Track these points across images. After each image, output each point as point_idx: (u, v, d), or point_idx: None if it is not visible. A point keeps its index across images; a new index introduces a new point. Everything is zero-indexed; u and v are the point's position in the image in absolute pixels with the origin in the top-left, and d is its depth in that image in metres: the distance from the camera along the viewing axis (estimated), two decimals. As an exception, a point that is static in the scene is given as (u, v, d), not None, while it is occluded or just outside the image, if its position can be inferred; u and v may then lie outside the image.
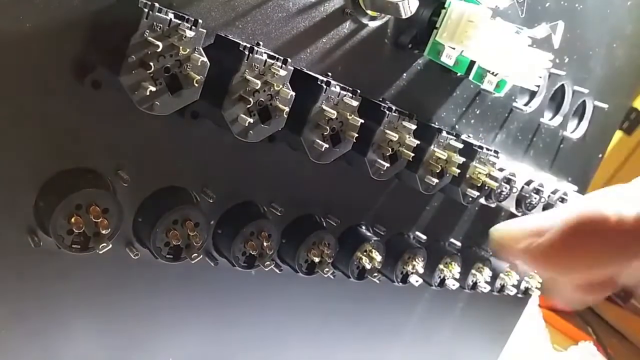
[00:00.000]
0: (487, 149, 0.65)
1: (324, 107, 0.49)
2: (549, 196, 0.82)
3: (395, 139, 0.55)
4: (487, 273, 0.82)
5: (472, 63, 0.58)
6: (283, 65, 0.46)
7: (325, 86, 0.49)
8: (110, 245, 0.46)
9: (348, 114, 0.51)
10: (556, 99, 0.87)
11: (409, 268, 0.70)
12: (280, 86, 0.46)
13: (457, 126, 0.72)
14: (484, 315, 1.02)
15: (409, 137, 0.56)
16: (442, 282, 0.76)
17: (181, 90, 0.41)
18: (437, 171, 0.60)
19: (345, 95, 0.50)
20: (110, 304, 0.54)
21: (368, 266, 0.65)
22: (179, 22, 0.40)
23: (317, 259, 0.60)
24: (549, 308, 1.69)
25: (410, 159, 0.57)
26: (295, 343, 0.73)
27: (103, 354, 0.56)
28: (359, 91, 0.51)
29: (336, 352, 0.79)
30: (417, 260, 0.71)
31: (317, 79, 0.50)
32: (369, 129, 0.54)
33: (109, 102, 0.45)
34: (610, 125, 1.01)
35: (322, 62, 0.55)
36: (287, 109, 0.46)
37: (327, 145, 0.50)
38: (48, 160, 0.45)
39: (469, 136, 0.72)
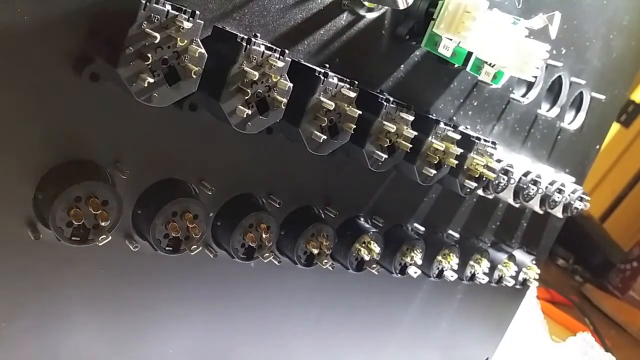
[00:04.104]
0: (485, 141, 0.65)
1: (322, 98, 0.49)
2: (546, 187, 0.83)
3: (393, 131, 0.55)
4: (485, 264, 0.83)
5: (470, 54, 0.58)
6: (281, 57, 0.46)
7: (322, 77, 0.49)
8: (110, 238, 0.46)
9: (346, 105, 0.51)
10: (553, 91, 0.87)
11: (408, 259, 0.71)
12: (278, 77, 0.46)
13: (454, 117, 0.72)
14: (482, 307, 1.02)
15: (407, 129, 0.56)
16: (441, 273, 0.77)
17: (179, 82, 0.42)
18: (435, 162, 0.60)
19: (343, 87, 0.50)
20: (110, 296, 0.55)
21: (367, 258, 0.65)
22: (177, 13, 0.40)
23: (315, 251, 0.61)
24: (547, 300, 1.70)
25: (408, 151, 0.57)
26: (295, 334, 0.74)
27: (103, 346, 0.57)
28: (356, 82, 0.51)
29: (335, 342, 0.80)
30: (415, 251, 0.71)
31: (315, 70, 0.50)
32: (367, 121, 0.54)
33: (107, 94, 0.45)
34: (607, 116, 1.01)
35: (319, 54, 0.55)
36: (285, 101, 0.47)
37: (325, 137, 0.50)
38: (47, 153, 0.45)
39: (466, 127, 0.73)
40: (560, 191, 0.84)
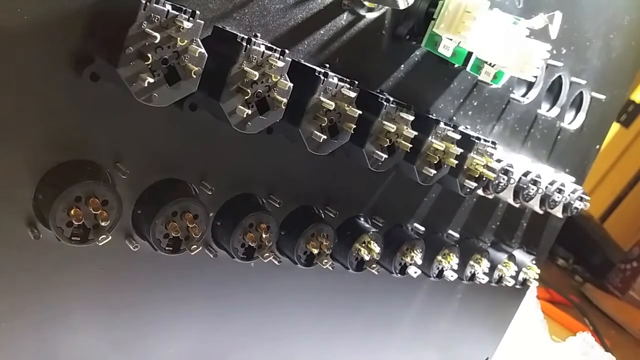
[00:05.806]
0: (485, 140, 0.65)
1: (322, 98, 0.49)
2: (546, 187, 0.83)
3: (392, 130, 0.55)
4: (485, 264, 0.83)
5: (470, 54, 0.58)
6: (281, 57, 0.46)
7: (322, 77, 0.49)
8: (110, 237, 0.46)
9: (346, 105, 0.51)
10: (553, 90, 0.87)
11: (408, 259, 0.71)
12: (278, 77, 0.46)
13: (454, 117, 0.72)
14: (482, 307, 1.02)
15: (407, 129, 0.56)
16: (441, 273, 0.77)
17: (179, 82, 0.41)
18: (435, 162, 0.60)
19: (343, 87, 0.50)
20: (110, 296, 0.55)
21: (367, 257, 0.65)
22: (177, 13, 0.40)
23: (315, 251, 0.61)
24: (547, 300, 1.70)
25: (408, 150, 0.57)
26: (295, 334, 0.74)
27: (103, 346, 0.57)
28: (356, 82, 0.51)
29: (335, 342, 0.80)
30: (415, 251, 0.71)
31: (315, 70, 0.50)
32: (367, 121, 0.54)
33: (107, 94, 0.45)
34: (607, 116, 1.01)
35: (319, 54, 0.55)
36: (285, 100, 0.47)
37: (325, 137, 0.50)
38: (47, 153, 0.45)
39: (466, 127, 0.73)
40: (560, 191, 0.84)
